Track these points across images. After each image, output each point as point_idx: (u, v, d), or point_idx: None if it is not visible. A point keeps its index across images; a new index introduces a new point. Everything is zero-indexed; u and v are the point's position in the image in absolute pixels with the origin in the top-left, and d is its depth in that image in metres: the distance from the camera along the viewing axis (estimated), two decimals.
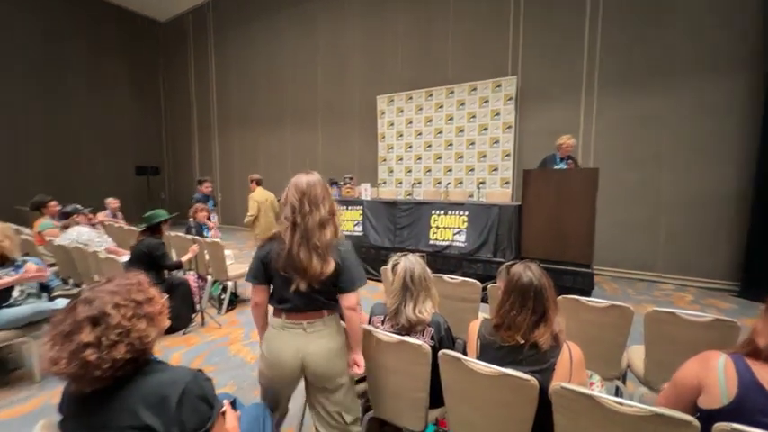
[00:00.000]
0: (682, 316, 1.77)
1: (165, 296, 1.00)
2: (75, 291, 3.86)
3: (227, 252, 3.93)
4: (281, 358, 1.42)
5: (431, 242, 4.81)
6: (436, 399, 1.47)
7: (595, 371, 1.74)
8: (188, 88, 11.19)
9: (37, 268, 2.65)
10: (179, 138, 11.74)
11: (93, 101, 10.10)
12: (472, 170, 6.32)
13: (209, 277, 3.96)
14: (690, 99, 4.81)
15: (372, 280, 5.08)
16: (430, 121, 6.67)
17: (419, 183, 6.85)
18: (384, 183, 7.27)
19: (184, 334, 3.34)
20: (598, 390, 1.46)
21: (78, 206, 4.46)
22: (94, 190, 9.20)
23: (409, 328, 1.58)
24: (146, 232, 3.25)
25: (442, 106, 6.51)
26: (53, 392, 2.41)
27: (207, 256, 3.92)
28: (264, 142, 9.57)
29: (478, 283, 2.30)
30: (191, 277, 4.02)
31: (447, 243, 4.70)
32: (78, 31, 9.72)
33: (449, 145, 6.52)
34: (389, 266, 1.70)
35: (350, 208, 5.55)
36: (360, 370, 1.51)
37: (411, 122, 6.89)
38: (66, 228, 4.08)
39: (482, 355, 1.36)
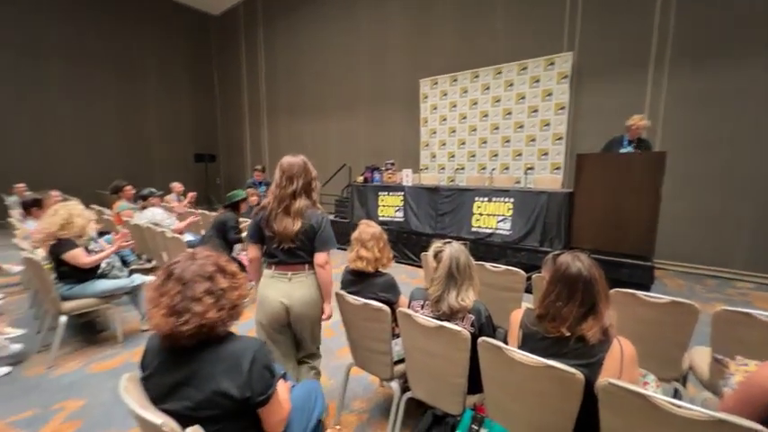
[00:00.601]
0: (759, 318, 1.58)
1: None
2: (148, 265, 4.34)
3: None
4: (269, 301, 1.76)
5: (473, 229, 4.70)
6: (475, 385, 1.48)
7: (651, 371, 1.62)
8: (239, 78, 11.76)
9: (122, 233, 3.01)
10: (232, 126, 12.45)
11: (159, 95, 11.04)
12: (520, 155, 6.02)
13: None
14: None
15: (412, 265, 5.11)
16: (475, 103, 6.41)
17: (462, 168, 6.68)
18: (426, 168, 7.18)
19: None
20: (653, 390, 1.36)
21: (153, 189, 4.97)
22: (162, 175, 10.15)
23: (450, 315, 1.59)
24: (227, 208, 3.63)
25: (488, 88, 6.21)
26: (134, 352, 2.77)
27: None
28: (310, 129, 9.84)
29: (522, 272, 2.22)
30: (243, 257, 4.32)
31: (490, 231, 4.57)
32: (145, 29, 10.58)
33: (495, 128, 6.24)
34: (431, 253, 1.70)
35: (391, 194, 5.57)
36: (326, 317, 1.85)
37: (455, 106, 6.67)
38: (143, 208, 4.59)
39: (524, 345, 1.33)
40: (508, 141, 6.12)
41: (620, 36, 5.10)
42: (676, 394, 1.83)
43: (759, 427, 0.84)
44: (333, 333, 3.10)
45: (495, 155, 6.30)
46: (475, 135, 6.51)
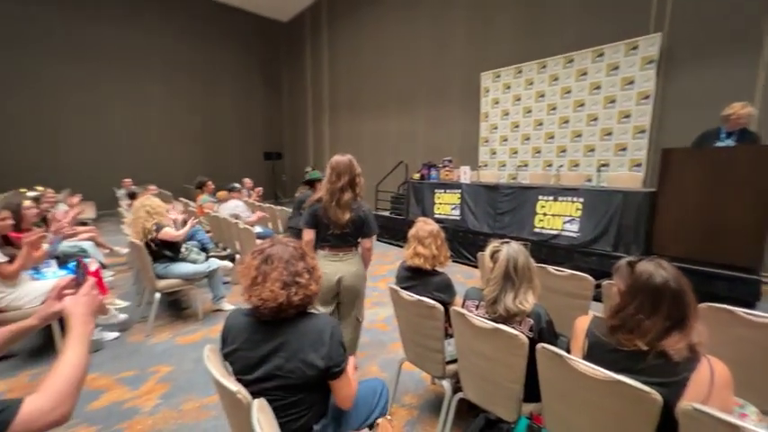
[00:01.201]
0: None
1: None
2: (223, 252, 4.83)
3: None
4: (324, 274, 1.95)
5: (536, 230, 4.43)
6: (531, 392, 1.40)
7: (752, 402, 1.39)
8: (304, 80, 12.44)
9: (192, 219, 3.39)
10: (297, 125, 13.24)
11: (235, 99, 12.17)
12: (592, 150, 5.50)
13: None
14: None
15: (468, 265, 4.98)
16: (542, 96, 6.00)
17: (525, 165, 6.30)
18: (485, 165, 6.91)
19: None
20: (753, 424, 1.17)
21: (236, 185, 5.55)
22: (236, 172, 11.20)
23: (507, 318, 1.52)
24: (305, 185, 4.01)
25: (557, 78, 5.77)
26: (211, 329, 3.12)
27: None
28: (369, 127, 10.06)
29: (590, 278, 2.04)
30: None
31: (555, 232, 4.26)
32: (225, 41, 11.72)
33: (564, 122, 5.78)
34: (488, 253, 1.64)
35: (447, 191, 5.48)
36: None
37: (519, 99, 6.31)
38: (227, 200, 5.15)
39: (589, 356, 1.22)
40: (579, 136, 5.63)
41: (723, 11, 4.37)
42: None
43: None
44: (386, 327, 3.16)
45: (564, 150, 5.83)
46: (541, 130, 6.09)
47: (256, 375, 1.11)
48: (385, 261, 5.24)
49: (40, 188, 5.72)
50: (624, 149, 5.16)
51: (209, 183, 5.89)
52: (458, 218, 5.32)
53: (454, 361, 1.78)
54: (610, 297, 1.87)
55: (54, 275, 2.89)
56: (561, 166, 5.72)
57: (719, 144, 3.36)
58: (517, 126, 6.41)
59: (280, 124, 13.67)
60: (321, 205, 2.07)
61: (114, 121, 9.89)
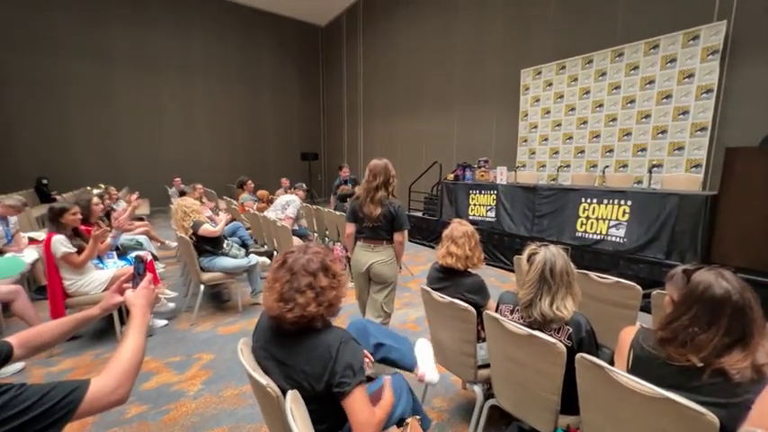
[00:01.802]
0: None
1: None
2: (262, 249, 5.05)
3: None
4: (358, 262, 2.44)
5: (578, 234, 4.20)
6: (569, 404, 1.33)
7: None
8: (340, 82, 12.69)
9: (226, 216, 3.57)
10: (332, 126, 13.54)
11: (274, 101, 12.69)
12: (643, 150, 5.12)
13: None
14: None
15: (503, 269, 4.83)
16: (587, 92, 5.68)
17: (567, 166, 6.00)
18: (523, 166, 6.66)
19: None
20: None
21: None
22: (275, 172, 11.71)
23: (543, 324, 1.46)
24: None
25: (604, 74, 5.43)
26: (249, 321, 3.28)
27: None
28: (403, 127, 10.06)
29: (638, 287, 1.89)
30: (337, 248, 4.69)
31: (599, 237, 4.02)
32: (267, 46, 12.26)
33: (611, 120, 5.43)
34: (524, 256, 1.58)
35: (483, 192, 5.34)
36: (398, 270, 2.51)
37: (561, 96, 6.02)
38: (278, 195, 5.40)
39: (635, 369, 1.14)
40: (628, 134, 5.26)
41: None
42: None
43: None
44: (417, 328, 3.14)
45: (610, 150, 5.48)
46: (585, 128, 5.77)
47: (273, 380, 1.10)
48: (417, 262, 5.21)
49: (102, 185, 6.30)
50: (681, 149, 4.75)
51: (249, 182, 6.19)
52: (493, 220, 5.17)
53: (486, 365, 1.73)
54: (661, 308, 1.74)
55: (114, 265, 3.18)
56: (607, 166, 5.37)
57: None
58: (559, 125, 6.11)
59: (316, 126, 14.04)
60: (358, 202, 2.36)
61: (165, 124, 10.68)
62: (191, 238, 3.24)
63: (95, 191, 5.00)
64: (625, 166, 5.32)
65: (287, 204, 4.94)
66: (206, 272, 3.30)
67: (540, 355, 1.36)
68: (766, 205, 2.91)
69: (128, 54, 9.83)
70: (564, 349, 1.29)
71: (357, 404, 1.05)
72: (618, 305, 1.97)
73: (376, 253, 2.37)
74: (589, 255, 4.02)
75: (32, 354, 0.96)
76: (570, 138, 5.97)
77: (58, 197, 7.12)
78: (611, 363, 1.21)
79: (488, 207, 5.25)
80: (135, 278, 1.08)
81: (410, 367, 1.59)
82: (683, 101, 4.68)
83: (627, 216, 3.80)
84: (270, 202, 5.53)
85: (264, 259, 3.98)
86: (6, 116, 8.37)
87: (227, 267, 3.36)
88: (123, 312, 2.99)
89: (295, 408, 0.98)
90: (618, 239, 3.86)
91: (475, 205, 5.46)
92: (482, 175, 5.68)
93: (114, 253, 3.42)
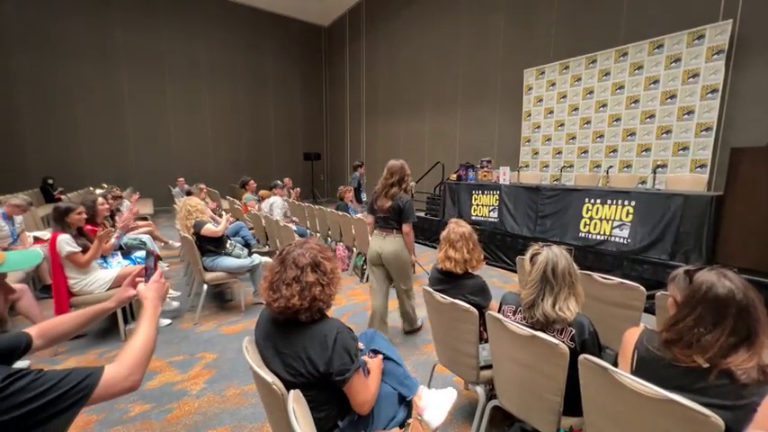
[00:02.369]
0: None
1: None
2: (264, 249, 5.07)
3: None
4: (372, 248, 2.73)
5: (581, 234, 4.18)
6: (572, 406, 1.33)
7: None
8: (343, 82, 12.70)
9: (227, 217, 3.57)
10: (335, 127, 13.56)
11: (277, 101, 12.71)
12: (647, 150, 5.09)
13: (354, 249, 4.55)
14: None
15: (505, 269, 4.81)
16: (590, 92, 5.65)
17: (571, 166, 5.97)
18: (526, 166, 6.64)
19: None
20: None
21: (279, 182, 5.83)
22: (278, 171, 11.72)
23: (545, 325, 1.45)
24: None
25: (608, 73, 5.41)
26: (252, 320, 3.22)
27: (353, 231, 4.48)
28: (405, 128, 10.06)
29: (642, 288, 1.88)
30: (339, 248, 4.70)
31: (603, 237, 4.00)
32: (271, 46, 12.29)
33: (615, 120, 5.41)
34: (527, 256, 1.57)
35: (485, 192, 5.33)
36: (413, 260, 2.83)
37: (564, 96, 6.00)
38: (268, 197, 5.42)
39: (639, 371, 1.13)
40: (632, 134, 5.23)
41: None
42: None
43: None
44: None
45: (614, 150, 5.45)
46: (588, 128, 5.74)
47: (272, 368, 1.14)
48: (420, 262, 5.19)
49: (105, 185, 6.34)
50: (685, 149, 4.72)
51: (252, 182, 6.21)
52: (495, 220, 5.15)
53: (489, 366, 1.73)
54: (665, 309, 1.72)
55: (119, 265, 3.20)
56: (611, 166, 5.35)
57: None
58: (562, 125, 6.09)
59: (319, 126, 14.07)
60: (375, 195, 2.74)
61: (170, 124, 10.74)
62: (193, 237, 3.26)
63: (98, 191, 5.03)
64: (629, 166, 5.29)
65: (272, 208, 5.04)
66: (209, 271, 3.31)
67: (543, 356, 1.35)
68: None
69: (134, 56, 9.91)
70: (567, 350, 1.28)
71: (357, 387, 1.15)
72: (621, 306, 1.96)
73: (387, 241, 2.66)
74: (592, 255, 4.00)
75: (50, 345, 0.99)
76: (573, 138, 5.95)
77: (62, 197, 7.18)
78: (615, 364, 1.20)
79: (491, 207, 5.24)
80: (147, 272, 1.13)
81: (397, 388, 1.45)
82: (687, 101, 4.65)
83: (631, 217, 3.78)
84: None
85: (267, 259, 3.99)
86: (13, 116, 8.45)
87: (230, 267, 3.37)
88: (127, 312, 3.01)
89: (297, 407, 0.98)
90: (622, 240, 3.84)
91: (478, 205, 5.45)
92: (485, 176, 5.67)
93: (119, 252, 3.44)
